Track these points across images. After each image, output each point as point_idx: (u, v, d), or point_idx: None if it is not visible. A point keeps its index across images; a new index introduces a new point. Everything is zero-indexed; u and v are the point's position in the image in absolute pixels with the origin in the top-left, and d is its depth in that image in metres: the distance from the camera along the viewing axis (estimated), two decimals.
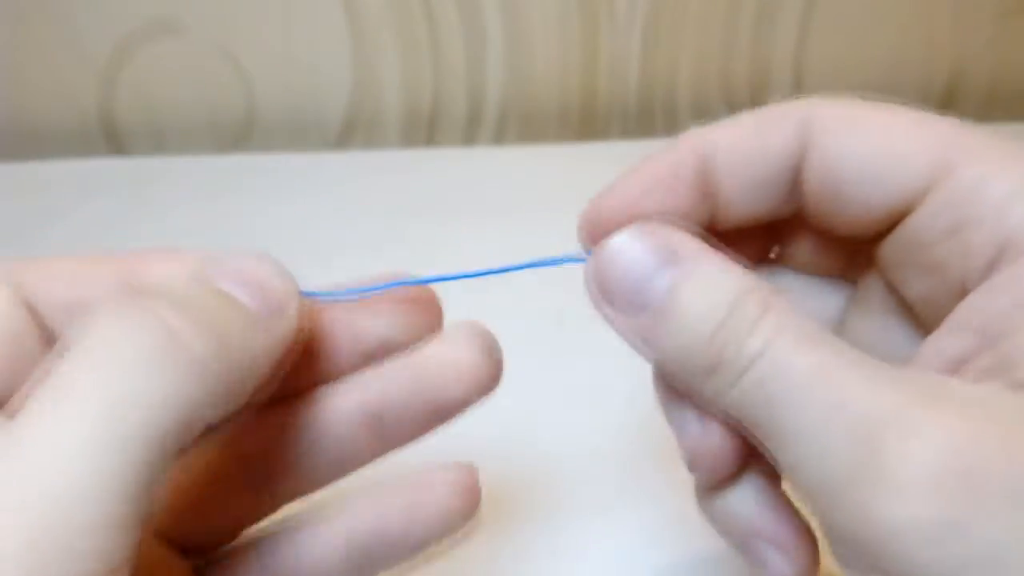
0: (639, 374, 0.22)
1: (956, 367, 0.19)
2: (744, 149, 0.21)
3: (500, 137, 0.70)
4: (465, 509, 0.22)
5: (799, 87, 0.70)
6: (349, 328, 0.22)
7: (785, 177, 0.21)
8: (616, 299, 0.19)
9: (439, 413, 0.22)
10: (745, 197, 0.21)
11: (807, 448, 0.17)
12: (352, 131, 0.68)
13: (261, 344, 0.18)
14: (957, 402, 0.17)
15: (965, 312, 0.19)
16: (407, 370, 0.22)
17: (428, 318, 0.23)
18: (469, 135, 0.70)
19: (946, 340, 0.19)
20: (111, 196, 0.58)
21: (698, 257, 0.19)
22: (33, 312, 0.19)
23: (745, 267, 0.19)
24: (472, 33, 0.66)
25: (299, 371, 0.21)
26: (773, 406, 0.17)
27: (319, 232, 0.54)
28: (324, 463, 0.22)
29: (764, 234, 0.24)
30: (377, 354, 0.22)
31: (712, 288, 0.19)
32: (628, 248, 0.19)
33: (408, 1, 0.64)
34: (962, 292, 0.19)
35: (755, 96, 0.70)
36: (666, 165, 0.21)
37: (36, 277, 0.20)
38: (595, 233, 0.21)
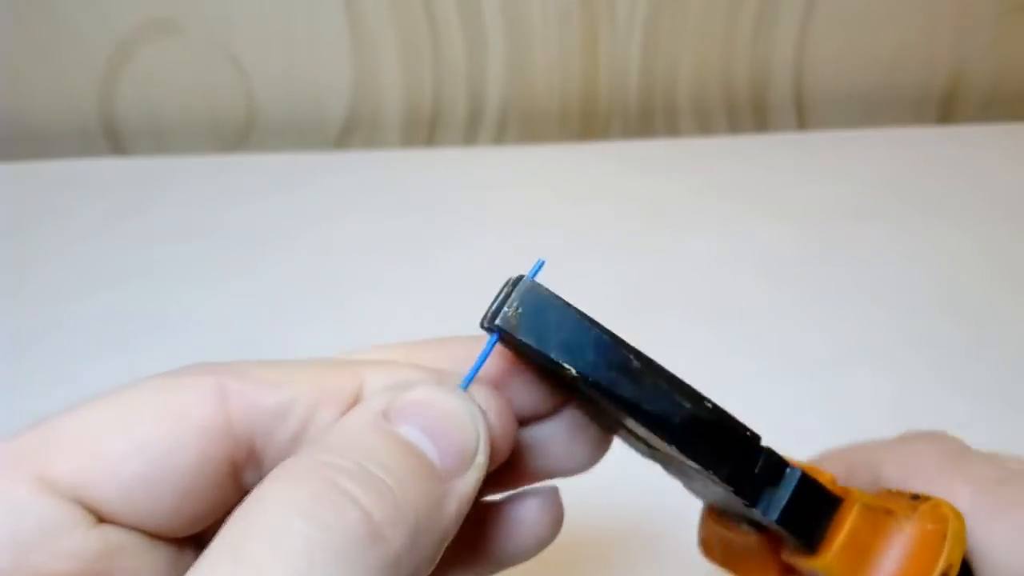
0: None
1: None
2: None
3: (500, 137, 0.70)
4: (553, 526, 0.22)
5: (799, 87, 0.70)
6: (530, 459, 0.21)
7: None
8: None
9: (494, 566, 0.22)
10: None
11: None
12: (352, 131, 0.68)
13: (452, 513, 0.17)
14: None
15: None
16: (473, 524, 0.21)
17: (598, 454, 0.22)
18: (469, 135, 0.70)
19: None
20: (111, 196, 0.58)
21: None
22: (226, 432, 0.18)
23: None
24: (472, 33, 0.66)
25: None
26: None
27: (319, 232, 0.54)
28: None
29: None
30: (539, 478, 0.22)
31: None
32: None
33: (408, 1, 0.64)
34: None
35: (755, 96, 0.70)
36: None
37: (237, 387, 0.18)
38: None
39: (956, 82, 0.71)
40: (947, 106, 0.72)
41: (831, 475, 0.22)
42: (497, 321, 0.18)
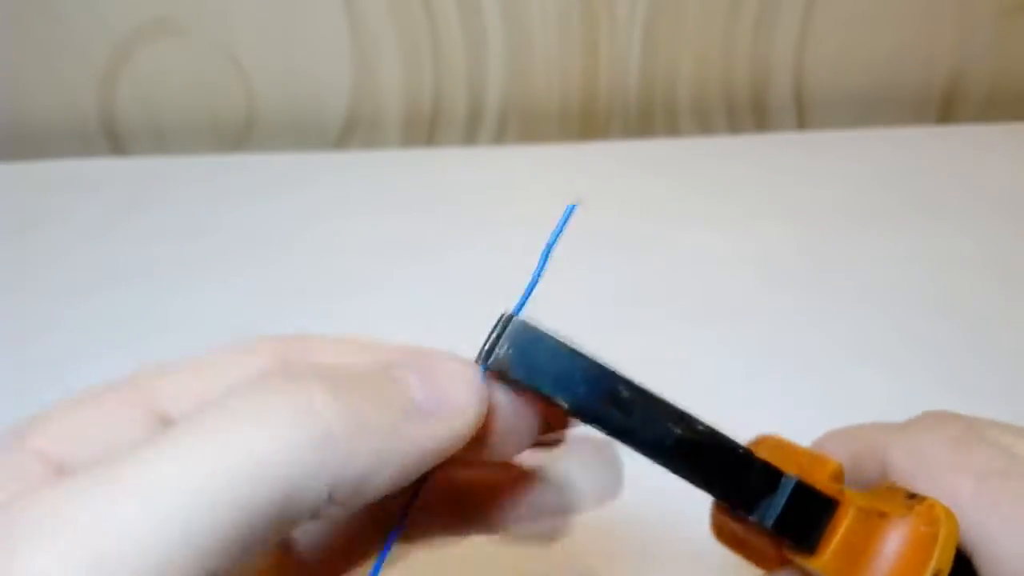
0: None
1: None
2: None
3: (500, 137, 0.70)
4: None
5: (799, 87, 0.70)
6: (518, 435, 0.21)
7: None
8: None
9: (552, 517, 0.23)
10: None
11: None
12: (352, 131, 0.68)
13: (416, 441, 0.17)
14: None
15: None
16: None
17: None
18: (469, 135, 0.70)
19: None
20: (111, 196, 0.58)
21: None
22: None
23: None
24: (472, 33, 0.66)
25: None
26: None
27: (319, 232, 0.54)
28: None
29: None
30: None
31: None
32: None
33: (408, 1, 0.64)
34: None
35: (755, 96, 0.70)
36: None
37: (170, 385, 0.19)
38: None
39: (956, 82, 0.71)
40: (947, 106, 0.72)
41: (837, 463, 0.23)
42: (489, 364, 0.19)
